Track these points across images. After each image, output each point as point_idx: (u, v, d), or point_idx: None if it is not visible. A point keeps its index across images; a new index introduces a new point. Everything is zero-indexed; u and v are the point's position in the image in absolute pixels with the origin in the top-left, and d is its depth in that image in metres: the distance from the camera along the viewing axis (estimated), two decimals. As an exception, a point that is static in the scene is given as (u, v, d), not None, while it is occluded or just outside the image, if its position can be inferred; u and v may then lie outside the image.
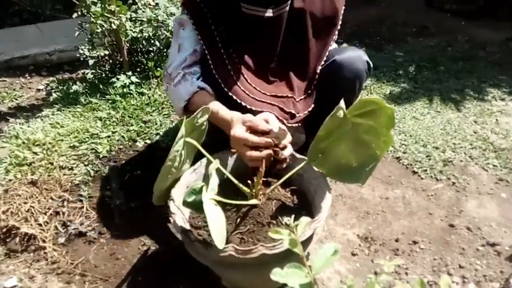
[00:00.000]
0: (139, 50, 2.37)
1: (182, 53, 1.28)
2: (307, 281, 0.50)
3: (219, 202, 0.89)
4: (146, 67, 2.31)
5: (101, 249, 1.33)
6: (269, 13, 1.22)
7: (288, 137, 1.06)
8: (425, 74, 2.51)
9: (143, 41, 2.31)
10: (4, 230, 1.31)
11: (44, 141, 1.73)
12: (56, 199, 1.45)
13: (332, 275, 1.23)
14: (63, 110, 2.03)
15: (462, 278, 1.21)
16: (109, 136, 1.82)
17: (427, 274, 1.23)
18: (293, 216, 0.64)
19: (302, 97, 1.31)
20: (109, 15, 2.03)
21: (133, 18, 2.22)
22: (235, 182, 1.00)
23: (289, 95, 1.29)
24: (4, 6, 3.31)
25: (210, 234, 0.82)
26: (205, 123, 1.05)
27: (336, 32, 1.33)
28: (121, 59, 2.26)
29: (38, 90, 2.46)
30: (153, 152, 1.76)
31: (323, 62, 1.32)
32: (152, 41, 2.30)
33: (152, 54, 2.39)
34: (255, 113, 1.17)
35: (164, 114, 2.01)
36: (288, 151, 1.06)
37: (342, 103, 0.92)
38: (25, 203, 1.38)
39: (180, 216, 0.97)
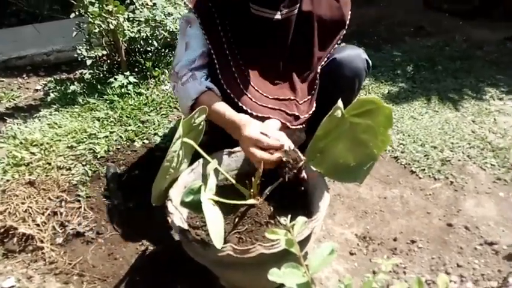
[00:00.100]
0: (136, 50, 2.37)
1: (189, 51, 1.27)
2: (304, 281, 0.50)
3: (217, 202, 0.89)
4: (144, 67, 2.31)
5: (99, 249, 1.33)
6: (278, 16, 1.23)
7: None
8: (423, 74, 2.51)
9: (141, 41, 2.31)
10: (2, 230, 1.31)
11: (41, 141, 1.72)
12: (54, 199, 1.44)
13: (330, 274, 1.23)
14: (61, 110, 2.02)
15: (460, 277, 1.21)
16: (106, 136, 1.81)
17: (425, 273, 1.23)
18: (289, 216, 0.64)
19: (305, 99, 1.32)
20: (106, 16, 2.02)
21: (131, 18, 2.21)
22: (233, 182, 1.01)
23: (292, 98, 1.29)
24: (1, 6, 3.30)
25: (208, 234, 0.82)
26: (202, 123, 1.05)
27: (341, 36, 1.34)
28: (119, 59, 2.26)
29: (36, 90, 2.46)
30: (151, 152, 1.76)
31: (323, 62, 1.32)
32: (150, 41, 2.30)
33: (150, 54, 2.39)
34: (259, 118, 1.19)
35: (162, 114, 2.00)
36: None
37: (340, 103, 0.92)
38: (23, 203, 1.38)
39: (178, 216, 0.97)
